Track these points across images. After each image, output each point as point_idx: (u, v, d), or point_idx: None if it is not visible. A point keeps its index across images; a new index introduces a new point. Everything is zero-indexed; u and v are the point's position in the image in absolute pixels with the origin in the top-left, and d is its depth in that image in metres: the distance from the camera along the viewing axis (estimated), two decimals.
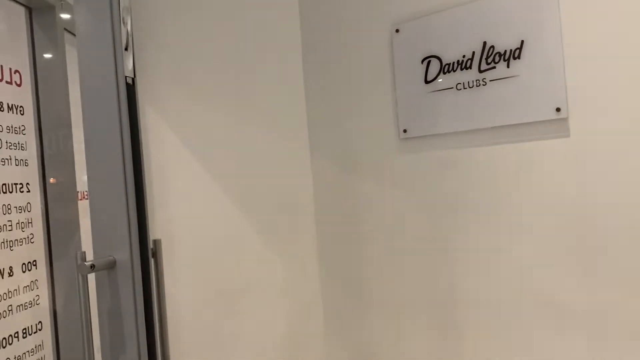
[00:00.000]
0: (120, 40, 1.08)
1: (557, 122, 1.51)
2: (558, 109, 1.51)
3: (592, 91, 1.44)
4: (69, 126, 1.68)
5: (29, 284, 1.45)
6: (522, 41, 1.57)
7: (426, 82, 1.76)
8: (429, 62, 1.75)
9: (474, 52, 1.65)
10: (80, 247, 1.59)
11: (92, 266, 1.08)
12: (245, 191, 1.90)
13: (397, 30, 1.82)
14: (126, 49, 1.10)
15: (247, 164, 1.92)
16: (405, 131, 1.82)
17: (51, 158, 1.67)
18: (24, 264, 1.44)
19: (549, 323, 1.54)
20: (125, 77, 1.10)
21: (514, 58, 1.58)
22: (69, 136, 1.68)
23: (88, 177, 1.17)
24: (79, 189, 1.67)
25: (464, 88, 1.68)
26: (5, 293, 1.35)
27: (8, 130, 1.42)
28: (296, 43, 2.11)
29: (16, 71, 1.47)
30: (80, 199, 1.68)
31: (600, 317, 1.44)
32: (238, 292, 1.86)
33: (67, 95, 1.69)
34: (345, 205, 2.00)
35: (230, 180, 1.86)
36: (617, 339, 1.42)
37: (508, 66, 1.59)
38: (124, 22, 1.09)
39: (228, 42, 1.89)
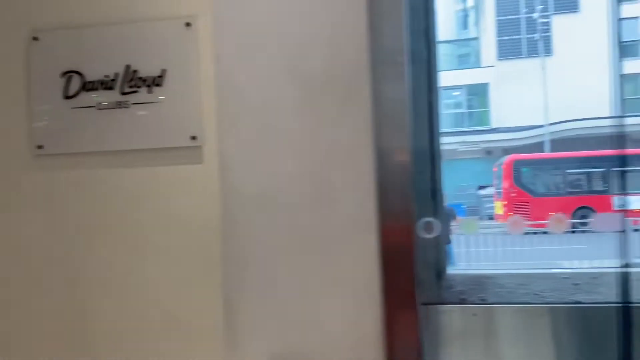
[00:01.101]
0: None
1: (192, 149, 1.61)
2: (194, 137, 1.61)
3: (226, 123, 1.59)
4: None
5: None
6: (164, 70, 1.63)
7: (67, 97, 1.67)
8: (70, 77, 1.67)
9: (117, 74, 1.65)
10: None
11: None
12: None
13: (35, 38, 1.69)
14: None
15: None
16: (40, 147, 1.69)
17: None
18: None
19: (177, 338, 1.61)
20: None
21: (156, 85, 1.63)
22: None
23: None
24: None
25: (107, 108, 1.66)
26: None
27: None
28: None
29: None
30: None
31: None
32: None
33: None
34: None
35: None
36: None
37: (150, 92, 1.63)
38: None
39: None
